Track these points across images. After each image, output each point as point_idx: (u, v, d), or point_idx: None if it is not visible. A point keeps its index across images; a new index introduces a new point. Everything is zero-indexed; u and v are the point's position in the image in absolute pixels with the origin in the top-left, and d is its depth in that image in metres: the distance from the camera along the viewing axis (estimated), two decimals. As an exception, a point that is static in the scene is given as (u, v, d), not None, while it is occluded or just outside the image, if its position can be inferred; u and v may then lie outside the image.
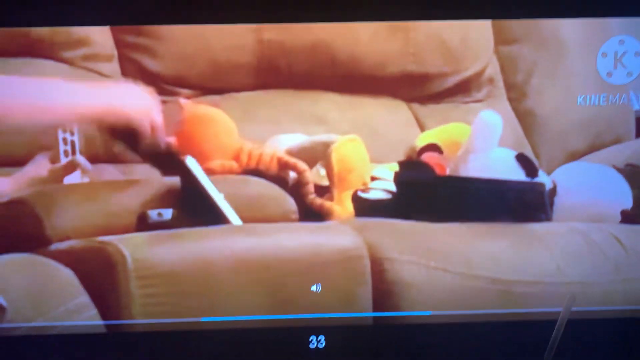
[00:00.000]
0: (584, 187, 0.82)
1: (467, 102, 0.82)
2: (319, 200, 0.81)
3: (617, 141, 0.83)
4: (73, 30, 0.76)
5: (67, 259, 0.76)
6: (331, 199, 0.81)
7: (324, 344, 0.80)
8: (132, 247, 0.76)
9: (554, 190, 0.82)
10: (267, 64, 0.79)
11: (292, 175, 0.81)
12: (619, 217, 0.82)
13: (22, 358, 0.78)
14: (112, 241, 0.76)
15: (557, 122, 0.82)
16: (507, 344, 0.78)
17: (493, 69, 0.82)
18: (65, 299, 0.76)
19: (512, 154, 0.81)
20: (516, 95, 0.82)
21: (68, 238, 0.77)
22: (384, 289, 0.79)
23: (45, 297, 0.76)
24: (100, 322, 0.76)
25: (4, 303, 0.75)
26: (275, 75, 0.80)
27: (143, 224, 0.78)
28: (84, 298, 0.76)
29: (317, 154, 0.81)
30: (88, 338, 0.77)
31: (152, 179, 0.80)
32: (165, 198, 0.79)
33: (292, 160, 0.81)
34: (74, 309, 0.76)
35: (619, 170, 0.82)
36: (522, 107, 0.83)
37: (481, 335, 0.80)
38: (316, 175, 0.82)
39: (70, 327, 0.76)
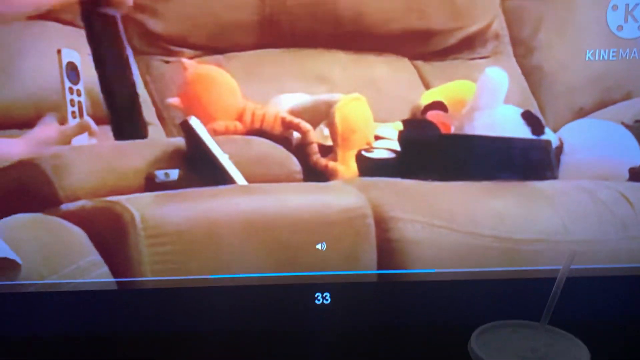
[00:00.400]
0: (591, 144, 0.81)
1: (472, 59, 0.81)
2: (323, 160, 0.81)
3: (626, 97, 0.81)
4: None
5: (78, 218, 0.78)
6: (335, 158, 0.82)
7: (329, 301, 0.82)
8: (141, 206, 0.77)
9: (560, 148, 0.81)
10: (270, 22, 0.79)
11: (296, 135, 0.81)
12: (627, 175, 0.81)
13: (36, 314, 0.81)
14: (121, 201, 0.78)
15: (564, 78, 0.80)
16: (511, 302, 0.78)
17: (499, 24, 0.80)
18: (77, 257, 0.78)
19: (518, 111, 0.80)
20: (523, 51, 0.81)
21: (78, 198, 0.79)
22: (388, 248, 0.79)
23: (58, 255, 0.78)
24: (112, 279, 0.79)
25: (18, 259, 0.77)
26: (277, 33, 0.79)
27: (150, 184, 0.79)
28: (95, 256, 0.78)
29: (321, 114, 0.81)
30: (100, 294, 0.79)
31: (158, 140, 0.81)
32: (172, 158, 0.80)
33: (296, 120, 0.81)
34: (86, 266, 0.78)
35: (628, 127, 0.81)
36: (529, 63, 0.81)
37: (485, 293, 0.81)
38: (320, 135, 0.82)
39: (82, 284, 0.79)
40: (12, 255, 0.78)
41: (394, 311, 0.83)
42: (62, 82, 0.79)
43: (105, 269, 0.78)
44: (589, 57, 0.78)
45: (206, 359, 0.82)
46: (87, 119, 0.81)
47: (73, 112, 0.81)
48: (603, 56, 0.78)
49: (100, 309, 0.81)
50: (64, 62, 0.79)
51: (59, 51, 0.78)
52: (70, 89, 0.80)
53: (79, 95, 0.80)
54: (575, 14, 0.78)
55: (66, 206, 0.78)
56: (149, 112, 0.82)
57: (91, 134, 0.80)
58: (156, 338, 0.82)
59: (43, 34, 0.79)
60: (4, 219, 0.78)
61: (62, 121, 0.80)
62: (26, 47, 0.79)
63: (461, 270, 0.80)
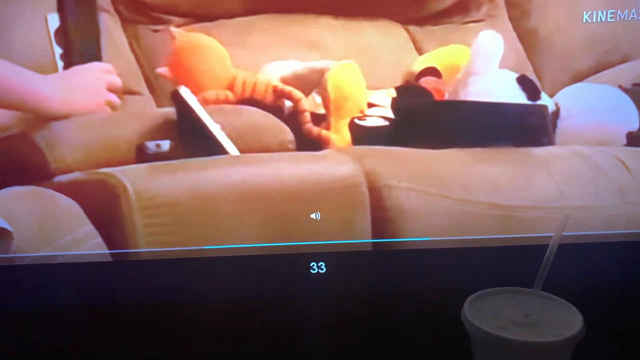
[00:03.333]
0: (588, 109, 0.80)
1: (466, 23, 0.79)
2: (315, 129, 0.80)
3: (624, 60, 0.80)
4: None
5: (71, 190, 0.78)
6: (328, 127, 0.81)
7: (324, 270, 0.82)
8: (133, 178, 0.77)
9: (556, 113, 0.80)
10: (258, -14, 0.77)
11: (288, 104, 0.80)
12: (625, 140, 0.80)
13: (31, 286, 0.82)
14: (114, 172, 0.77)
15: (561, 41, 0.79)
16: (506, 269, 0.78)
17: (493, -14, 0.78)
18: (70, 228, 0.79)
19: (513, 75, 0.79)
20: (518, 13, 0.79)
21: (70, 170, 0.78)
22: (382, 216, 0.79)
23: (51, 227, 0.79)
24: (106, 250, 0.79)
25: (9, 228, 0.78)
26: (267, -1, 0.78)
27: (142, 155, 0.79)
28: (88, 227, 0.78)
29: (313, 81, 0.80)
30: (94, 266, 0.80)
31: (148, 111, 0.80)
32: (162, 129, 0.79)
33: (287, 88, 0.79)
34: (80, 237, 0.79)
35: (626, 90, 0.79)
36: (524, 26, 0.79)
37: (480, 260, 0.80)
38: (312, 103, 0.81)
39: (77, 256, 0.79)
40: (3, 224, 0.78)
41: (388, 279, 0.84)
42: (52, 49, 0.78)
43: (99, 240, 0.78)
44: (586, 19, 0.76)
45: (201, 328, 0.82)
46: None
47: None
48: (600, 18, 0.76)
49: (95, 280, 0.82)
50: (52, 29, 0.77)
51: (45, 18, 0.77)
52: (61, 56, 0.78)
53: None
54: (572, -26, 0.76)
55: (59, 178, 0.78)
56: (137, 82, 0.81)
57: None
58: (151, 308, 0.82)
59: (30, 2, 0.78)
60: (-1, 192, 0.78)
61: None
62: (12, 15, 0.77)
63: (455, 238, 0.80)
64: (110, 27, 0.79)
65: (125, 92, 0.80)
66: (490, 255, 0.80)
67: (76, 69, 0.78)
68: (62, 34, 0.78)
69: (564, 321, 0.58)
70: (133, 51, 0.80)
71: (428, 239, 0.80)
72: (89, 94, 0.78)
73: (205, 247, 0.80)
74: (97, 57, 0.78)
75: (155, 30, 0.79)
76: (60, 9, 0.77)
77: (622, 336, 0.79)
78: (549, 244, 0.61)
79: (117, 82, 0.79)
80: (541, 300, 0.60)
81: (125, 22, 0.79)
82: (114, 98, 0.80)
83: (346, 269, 0.82)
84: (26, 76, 0.77)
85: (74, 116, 0.78)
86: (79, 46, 0.78)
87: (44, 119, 0.78)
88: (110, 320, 0.83)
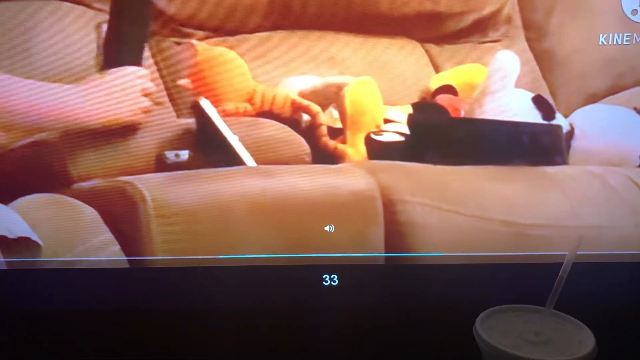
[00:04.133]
0: (602, 130, 0.81)
1: (483, 42, 0.80)
2: (332, 143, 0.82)
3: (639, 83, 0.80)
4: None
5: (90, 197, 0.80)
6: (344, 141, 0.82)
7: (337, 282, 0.82)
8: (152, 187, 0.78)
9: (571, 133, 0.81)
10: (280, 3, 0.78)
11: (305, 117, 0.82)
12: (638, 161, 0.80)
13: (52, 291, 0.83)
14: (132, 181, 0.79)
15: (576, 62, 0.80)
16: (518, 286, 0.79)
17: (511, 7, 0.79)
18: (90, 236, 0.80)
19: (529, 95, 0.80)
20: (535, 34, 0.80)
21: (90, 178, 0.80)
22: (396, 230, 0.80)
23: (72, 234, 0.80)
24: (124, 257, 0.80)
25: (39, 240, 0.79)
26: (287, 15, 0.79)
27: (161, 164, 0.80)
28: (107, 235, 0.80)
29: (330, 96, 0.81)
30: (112, 272, 0.81)
31: (168, 121, 0.82)
32: (182, 139, 0.80)
33: (305, 102, 0.81)
34: (99, 245, 0.80)
35: (640, 112, 0.80)
36: (541, 47, 0.80)
37: (492, 277, 0.81)
38: (329, 118, 0.82)
39: (95, 262, 0.80)
40: (33, 236, 0.79)
41: (400, 293, 0.84)
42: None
43: (117, 247, 0.80)
44: (602, 42, 0.77)
45: (214, 335, 0.83)
46: None
47: None
48: (616, 40, 0.77)
49: (113, 286, 0.83)
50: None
51: (98, 25, 0.78)
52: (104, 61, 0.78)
53: None
54: (589, -3, 0.77)
55: (79, 185, 0.80)
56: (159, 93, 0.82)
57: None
58: (167, 314, 0.84)
59: (57, 12, 0.79)
60: (20, 199, 0.80)
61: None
62: (41, 26, 0.79)
63: (469, 254, 0.80)
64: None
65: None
66: (503, 272, 0.81)
67: (110, 74, 0.78)
68: (112, 38, 0.78)
69: (576, 340, 0.58)
70: (156, 63, 0.81)
71: (441, 254, 0.81)
72: (125, 99, 0.78)
73: (220, 257, 0.81)
74: (138, 63, 0.79)
75: (178, 43, 0.81)
76: (115, 12, 0.77)
77: (635, 357, 0.78)
78: (561, 263, 0.61)
79: (152, 87, 0.79)
80: (553, 319, 0.60)
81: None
82: (148, 104, 0.79)
83: (359, 281, 0.83)
84: (54, 92, 0.77)
85: (110, 126, 0.79)
86: (126, 50, 0.79)
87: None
88: (126, 325, 0.84)
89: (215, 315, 0.84)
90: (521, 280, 0.80)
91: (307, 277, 0.83)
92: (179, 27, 0.80)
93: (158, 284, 0.83)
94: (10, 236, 0.79)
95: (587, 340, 0.58)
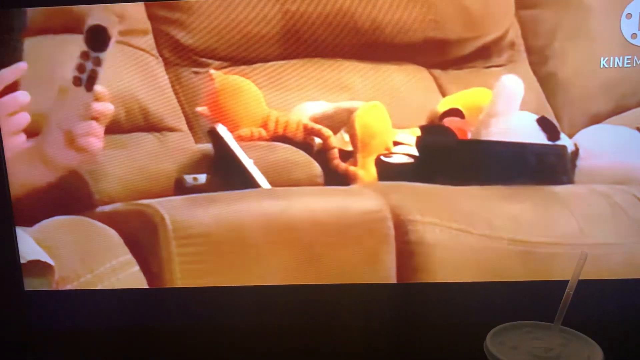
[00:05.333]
0: (606, 149, 0.82)
1: (488, 67, 0.82)
2: (343, 165, 0.84)
3: (641, 103, 0.82)
4: (110, 7, 0.80)
5: (112, 220, 0.83)
6: (355, 163, 0.84)
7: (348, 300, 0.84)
8: (170, 209, 0.81)
9: (576, 153, 0.82)
10: (292, 33, 0.81)
11: (317, 141, 0.84)
12: (643, 180, 0.82)
13: (74, 310, 0.86)
14: (152, 204, 0.82)
15: (579, 85, 0.81)
16: (527, 304, 0.79)
17: (514, 34, 0.81)
18: (110, 257, 0.83)
19: (533, 117, 0.82)
20: (538, 59, 0.82)
21: (112, 201, 0.83)
22: (407, 250, 0.82)
23: (93, 255, 0.83)
24: (143, 278, 0.83)
25: (50, 261, 0.82)
26: (300, 44, 0.82)
27: (180, 188, 0.83)
28: (127, 256, 0.83)
29: (341, 120, 0.83)
30: (132, 292, 0.83)
31: (187, 146, 0.85)
32: (200, 164, 0.83)
33: (317, 126, 0.83)
34: (119, 266, 0.83)
35: (643, 132, 0.81)
36: (544, 70, 0.82)
37: (501, 295, 0.82)
38: (340, 141, 0.84)
39: (115, 283, 0.83)
40: (44, 257, 0.82)
41: (413, 311, 0.85)
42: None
43: (136, 268, 0.82)
44: (603, 65, 0.79)
45: (231, 353, 0.85)
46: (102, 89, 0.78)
47: (77, 78, 0.77)
48: (617, 63, 0.79)
49: (132, 306, 0.85)
50: (88, 24, 0.76)
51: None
52: (85, 54, 0.77)
53: (96, 64, 0.77)
54: (590, 22, 0.79)
55: (101, 209, 0.83)
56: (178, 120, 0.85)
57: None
58: (183, 333, 0.86)
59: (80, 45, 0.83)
60: (44, 221, 0.83)
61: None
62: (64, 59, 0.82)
63: (483, 281, 0.82)
64: (154, 69, 0.84)
65: (166, 128, 0.85)
66: (512, 289, 0.82)
67: None
68: None
69: (584, 356, 0.58)
70: (174, 91, 0.84)
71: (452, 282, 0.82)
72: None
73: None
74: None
75: (196, 72, 0.84)
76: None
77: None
78: (568, 280, 0.62)
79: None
80: (562, 335, 0.61)
81: (168, 64, 0.84)
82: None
83: (372, 300, 0.84)
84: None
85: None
86: None
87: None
88: (146, 343, 0.86)
89: (232, 333, 0.85)
90: (530, 297, 0.80)
91: (321, 295, 0.84)
92: (197, 57, 0.84)
93: (176, 303, 0.85)
94: (21, 261, 0.82)
95: (595, 356, 0.58)
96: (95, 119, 0.79)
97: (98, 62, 0.77)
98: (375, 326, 0.84)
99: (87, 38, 0.76)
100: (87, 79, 0.77)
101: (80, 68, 0.77)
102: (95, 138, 0.80)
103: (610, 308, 0.80)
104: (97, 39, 0.76)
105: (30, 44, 0.81)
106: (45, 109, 0.79)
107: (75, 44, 0.78)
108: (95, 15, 0.77)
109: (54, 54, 0.80)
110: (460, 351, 0.74)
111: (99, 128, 0.80)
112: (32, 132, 0.81)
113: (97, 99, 0.79)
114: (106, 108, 0.80)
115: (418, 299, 0.84)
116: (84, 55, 0.77)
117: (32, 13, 0.80)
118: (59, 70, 0.79)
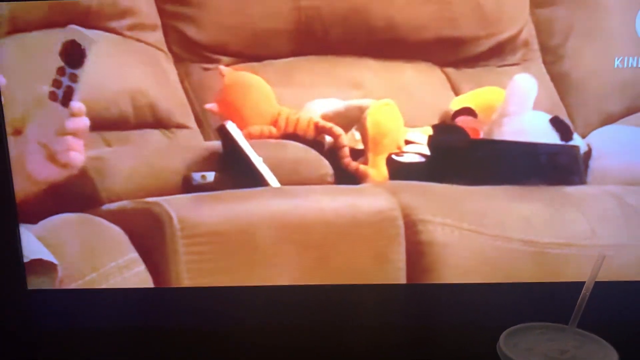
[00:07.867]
0: (619, 150, 0.82)
1: (501, 66, 0.82)
2: (354, 164, 0.83)
3: (655, 104, 0.82)
4: (119, 1, 0.79)
5: (118, 218, 0.82)
6: (366, 162, 0.83)
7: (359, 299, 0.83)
8: (178, 207, 0.80)
9: (588, 154, 0.82)
10: (304, 30, 0.81)
11: (328, 139, 0.84)
12: (656, 181, 0.81)
13: (79, 309, 0.84)
14: (159, 202, 0.81)
15: (593, 85, 0.81)
16: (540, 305, 0.79)
17: (528, 32, 0.81)
18: (116, 255, 0.82)
19: (546, 117, 0.81)
20: (552, 58, 0.82)
21: (119, 199, 0.82)
22: (417, 249, 0.81)
23: (98, 253, 0.82)
24: (149, 277, 0.82)
25: (54, 260, 0.81)
26: (312, 41, 0.81)
27: (187, 186, 0.82)
28: (133, 255, 0.81)
29: (352, 119, 0.83)
30: (137, 291, 0.82)
31: (195, 144, 0.84)
32: (208, 161, 0.82)
33: (328, 124, 0.83)
34: (125, 264, 0.82)
35: (657, 133, 0.81)
36: (558, 70, 0.82)
37: (514, 295, 0.82)
38: (351, 139, 0.83)
39: (121, 282, 0.82)
40: (47, 256, 0.81)
41: (424, 312, 0.85)
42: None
43: (142, 267, 0.81)
44: (617, 64, 0.79)
45: (238, 353, 0.84)
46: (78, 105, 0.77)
47: (52, 93, 0.76)
48: (632, 63, 0.79)
49: (138, 306, 0.84)
50: (63, 39, 0.74)
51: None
52: (62, 70, 0.75)
53: (72, 80, 0.75)
54: (604, 22, 0.78)
55: (107, 206, 0.82)
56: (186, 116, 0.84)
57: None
58: (190, 332, 0.85)
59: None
60: (50, 218, 0.82)
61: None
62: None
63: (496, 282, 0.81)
64: (164, 65, 0.83)
65: (175, 125, 0.84)
66: (524, 290, 0.81)
67: None
68: None
69: (599, 358, 0.58)
70: (184, 87, 0.84)
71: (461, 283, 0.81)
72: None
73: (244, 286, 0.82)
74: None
75: (206, 69, 0.83)
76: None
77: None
78: (581, 281, 0.62)
79: None
80: (576, 337, 0.61)
81: (177, 60, 0.83)
82: None
83: (382, 300, 0.84)
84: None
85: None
86: None
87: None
88: (152, 343, 0.85)
89: (239, 333, 0.85)
90: (543, 298, 0.80)
91: (330, 295, 0.83)
92: (207, 53, 0.83)
93: (182, 302, 0.84)
94: (24, 260, 0.81)
95: (610, 358, 0.58)
96: (73, 134, 0.78)
97: (74, 79, 0.75)
98: (385, 327, 0.84)
99: (63, 53, 0.75)
100: (63, 95, 0.76)
101: (56, 83, 0.76)
102: (75, 152, 0.79)
103: (622, 310, 0.79)
104: (73, 55, 0.75)
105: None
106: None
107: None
108: (69, 31, 0.75)
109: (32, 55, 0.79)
110: (472, 353, 0.74)
111: (77, 142, 0.79)
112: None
113: (73, 114, 0.77)
114: (83, 124, 0.78)
115: (428, 300, 0.83)
116: (60, 71, 0.75)
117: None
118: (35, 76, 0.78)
